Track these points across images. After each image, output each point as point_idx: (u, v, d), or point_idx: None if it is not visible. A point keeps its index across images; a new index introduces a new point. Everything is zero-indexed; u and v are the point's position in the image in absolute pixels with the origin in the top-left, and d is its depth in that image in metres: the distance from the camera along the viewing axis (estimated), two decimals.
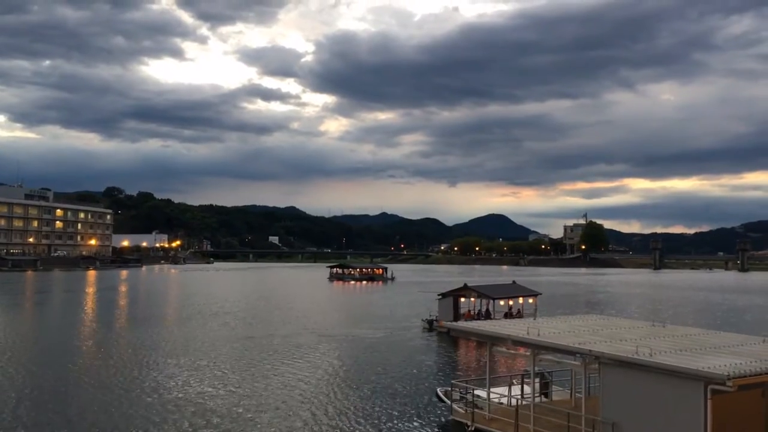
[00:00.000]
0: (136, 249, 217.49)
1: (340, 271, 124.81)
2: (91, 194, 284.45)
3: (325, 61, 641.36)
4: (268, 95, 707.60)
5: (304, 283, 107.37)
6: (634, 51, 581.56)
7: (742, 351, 15.35)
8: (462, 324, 27.41)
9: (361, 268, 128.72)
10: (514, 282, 52.31)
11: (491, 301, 43.46)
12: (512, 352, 20.28)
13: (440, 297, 45.32)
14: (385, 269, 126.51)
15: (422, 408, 22.03)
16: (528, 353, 18.53)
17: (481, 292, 44.07)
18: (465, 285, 45.44)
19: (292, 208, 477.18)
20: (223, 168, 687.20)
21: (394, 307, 61.92)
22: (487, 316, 42.25)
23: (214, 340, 37.98)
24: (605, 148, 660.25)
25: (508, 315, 42.29)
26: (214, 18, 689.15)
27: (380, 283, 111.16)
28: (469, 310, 44.65)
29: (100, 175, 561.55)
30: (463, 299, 44.68)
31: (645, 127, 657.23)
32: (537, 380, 18.88)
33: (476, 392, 19.58)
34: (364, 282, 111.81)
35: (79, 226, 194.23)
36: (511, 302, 44.55)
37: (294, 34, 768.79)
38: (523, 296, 45.51)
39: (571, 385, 19.74)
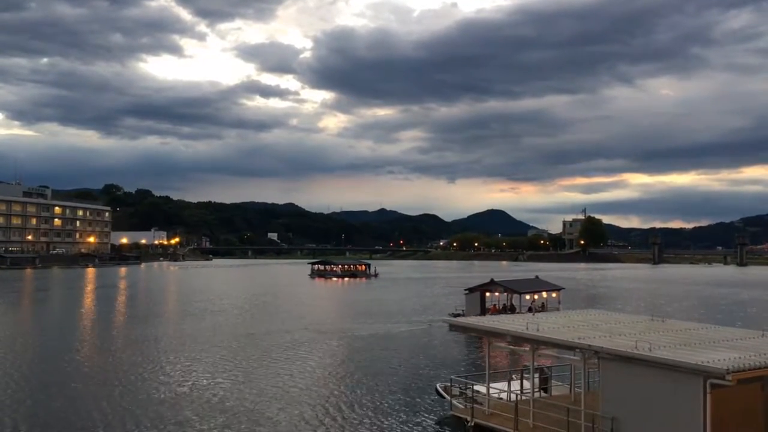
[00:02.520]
0: (135, 246, 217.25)
1: (322, 267, 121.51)
2: (89, 192, 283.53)
3: (323, 57, 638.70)
4: (266, 92, 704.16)
5: (301, 280, 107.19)
6: (632, 46, 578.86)
7: (741, 345, 15.36)
8: (460, 320, 27.40)
9: (343, 265, 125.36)
10: (537, 277, 53.36)
11: (516, 296, 44.13)
12: (512, 347, 20.28)
13: (467, 292, 46.19)
14: (368, 265, 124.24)
15: (423, 403, 22.04)
16: (527, 348, 18.53)
17: (507, 286, 45.02)
18: (492, 280, 46.14)
19: (291, 205, 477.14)
20: (221, 165, 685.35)
21: (392, 303, 61.92)
22: (512, 310, 42.74)
23: (216, 336, 37.98)
24: (604, 144, 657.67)
25: (532, 309, 42.73)
26: (213, 14, 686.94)
27: (363, 279, 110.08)
28: (494, 305, 45.24)
29: (98, 172, 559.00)
30: (488, 294, 45.31)
31: (643, 122, 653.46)
32: (536, 375, 18.89)
33: (476, 387, 19.58)
34: (347, 279, 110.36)
35: (78, 223, 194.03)
36: (535, 296, 45.16)
37: (292, 30, 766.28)
38: (546, 291, 46.47)
39: (570, 380, 19.78)
